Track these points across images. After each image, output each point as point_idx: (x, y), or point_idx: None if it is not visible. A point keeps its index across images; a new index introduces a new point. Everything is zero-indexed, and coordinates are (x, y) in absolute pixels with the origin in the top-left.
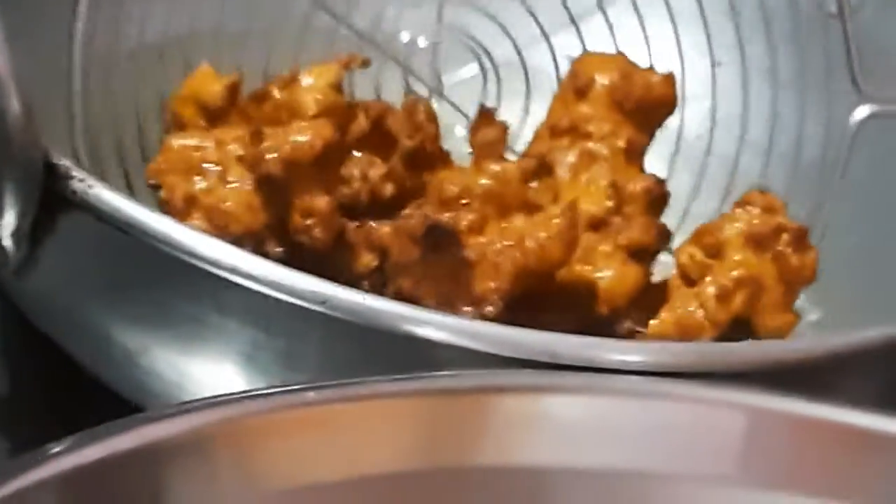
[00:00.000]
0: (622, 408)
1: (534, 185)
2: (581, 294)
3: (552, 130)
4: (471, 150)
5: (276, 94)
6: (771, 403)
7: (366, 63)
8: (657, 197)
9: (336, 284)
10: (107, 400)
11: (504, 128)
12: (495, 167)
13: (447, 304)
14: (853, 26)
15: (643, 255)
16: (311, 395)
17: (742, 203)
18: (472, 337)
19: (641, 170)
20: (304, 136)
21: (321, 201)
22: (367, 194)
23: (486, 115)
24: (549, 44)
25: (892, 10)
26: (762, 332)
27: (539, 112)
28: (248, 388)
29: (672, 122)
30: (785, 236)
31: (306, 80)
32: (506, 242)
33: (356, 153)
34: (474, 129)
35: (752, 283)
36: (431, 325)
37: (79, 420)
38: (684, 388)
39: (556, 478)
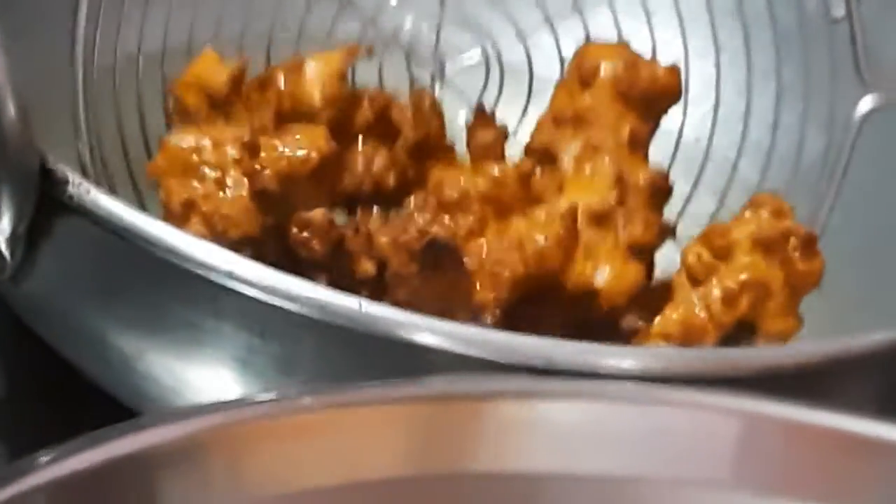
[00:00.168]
0: (618, 413)
1: (537, 175)
2: (580, 292)
3: (556, 120)
4: (468, 151)
5: (281, 81)
6: (767, 409)
7: (370, 52)
8: (660, 190)
9: (332, 290)
10: (103, 404)
11: (501, 129)
12: (494, 169)
13: (445, 314)
14: (859, 17)
15: (644, 252)
16: (305, 400)
17: (751, 205)
18: (467, 343)
19: (645, 160)
20: (300, 148)
21: (318, 214)
22: (370, 184)
23: (482, 117)
24: (554, 31)
25: None
26: (764, 336)
27: (543, 100)
28: (242, 394)
29: (673, 121)
30: (794, 241)
31: (311, 68)
32: (504, 249)
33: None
34: (471, 130)
35: (759, 287)
36: (426, 330)
37: (75, 425)
38: (680, 393)
39: (551, 484)
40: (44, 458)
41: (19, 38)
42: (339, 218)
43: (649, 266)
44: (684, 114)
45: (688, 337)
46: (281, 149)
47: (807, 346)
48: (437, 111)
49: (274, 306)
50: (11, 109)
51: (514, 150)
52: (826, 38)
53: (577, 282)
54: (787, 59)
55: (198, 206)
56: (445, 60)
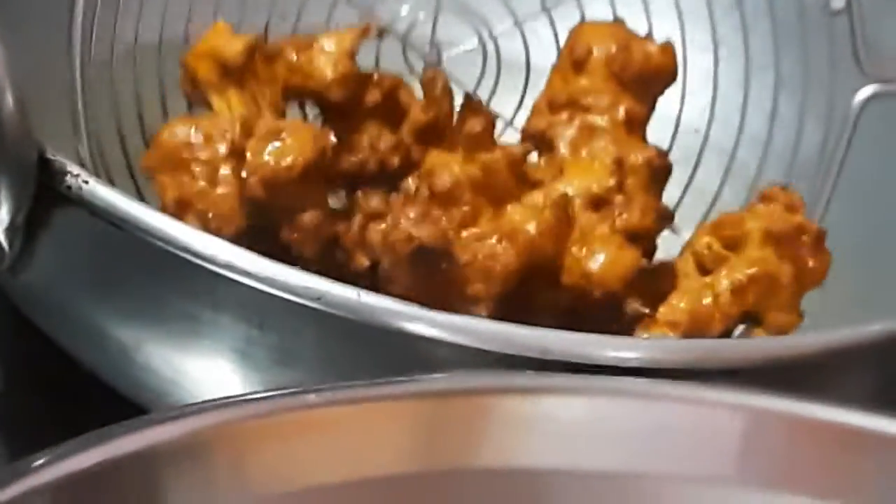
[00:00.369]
0: (621, 409)
1: (529, 161)
2: (576, 278)
3: (551, 105)
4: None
5: (292, 55)
6: (770, 404)
7: (381, 33)
8: (659, 169)
9: (330, 280)
10: (103, 396)
11: (490, 117)
12: (486, 157)
13: (438, 308)
14: (859, 9)
15: (641, 237)
16: (309, 397)
17: (764, 198)
18: (464, 333)
19: (643, 141)
20: (285, 155)
21: (307, 216)
22: (375, 163)
23: (470, 106)
24: (551, 19)
25: None
26: (767, 329)
27: (539, 85)
28: (244, 389)
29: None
30: (805, 237)
31: (323, 45)
32: (496, 242)
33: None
34: (460, 120)
35: (768, 280)
36: (424, 321)
37: (73, 417)
38: (683, 389)
39: (555, 479)
40: (47, 457)
41: (16, 30)
42: (340, 199)
43: (649, 251)
44: (682, 103)
45: (694, 326)
46: (266, 156)
47: (805, 338)
48: (447, 92)
49: (272, 297)
50: (10, 100)
51: (513, 138)
52: (825, 29)
53: (572, 267)
54: (785, 51)
55: (192, 204)
56: (442, 49)
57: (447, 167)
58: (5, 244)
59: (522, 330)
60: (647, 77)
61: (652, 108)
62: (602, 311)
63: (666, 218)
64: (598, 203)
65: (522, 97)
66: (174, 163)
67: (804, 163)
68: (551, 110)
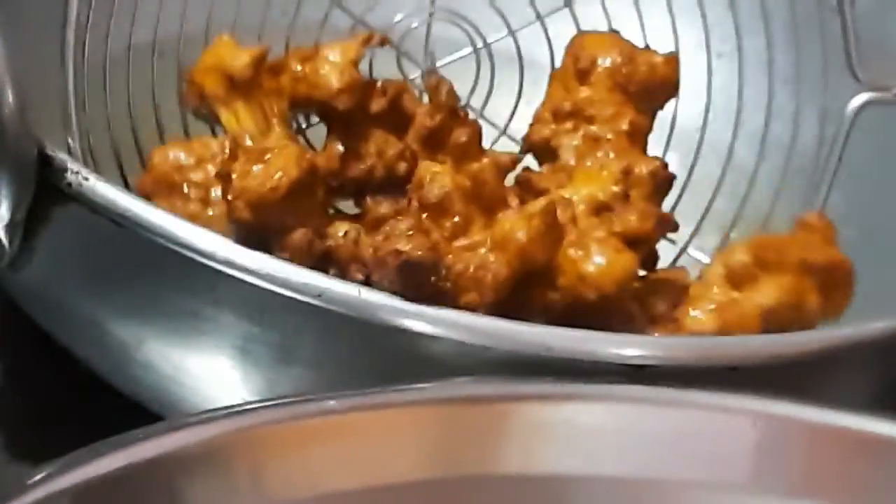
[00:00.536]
0: (640, 416)
1: (541, 170)
2: (572, 282)
3: (555, 114)
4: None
5: (297, 67)
6: (788, 411)
7: (384, 42)
8: (662, 180)
9: (331, 277)
10: (104, 396)
11: (476, 126)
12: (474, 166)
13: None
14: (851, 14)
15: (640, 243)
16: (329, 404)
17: (802, 226)
18: (465, 330)
19: (644, 152)
20: (270, 176)
21: (297, 235)
22: (382, 170)
23: (455, 115)
24: (544, 26)
25: None
26: None
27: (532, 92)
28: (245, 387)
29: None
30: (838, 274)
31: (329, 55)
32: (486, 252)
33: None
34: (447, 131)
35: (796, 308)
36: (425, 318)
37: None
38: (700, 396)
39: (574, 485)
40: (64, 463)
41: (11, 29)
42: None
43: (649, 257)
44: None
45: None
46: (250, 178)
47: (807, 336)
48: (453, 97)
49: (273, 293)
50: (10, 98)
51: (507, 145)
52: (819, 28)
53: (567, 270)
54: (780, 50)
55: None
56: (435, 56)
57: (436, 179)
58: (5, 241)
59: (524, 327)
60: (652, 88)
61: (653, 119)
62: (598, 314)
63: (667, 226)
64: (600, 210)
65: (516, 105)
66: (167, 185)
67: (801, 161)
68: (555, 119)
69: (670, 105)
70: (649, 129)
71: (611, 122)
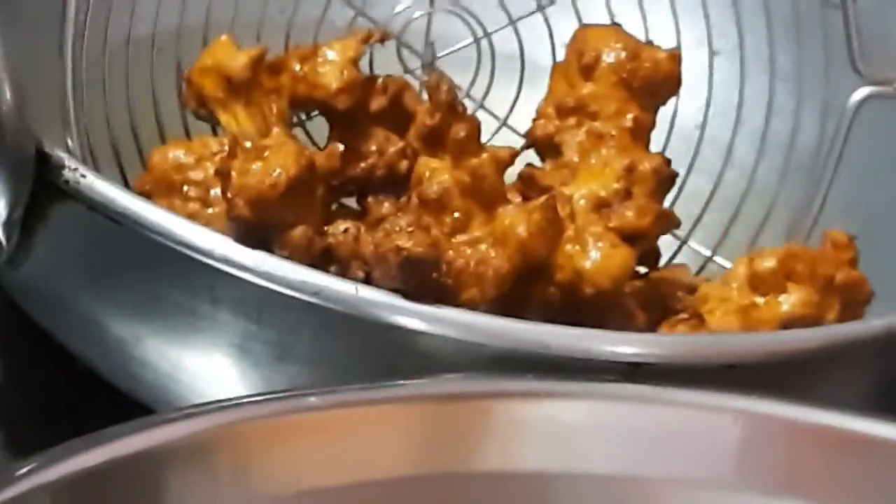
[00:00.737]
0: (622, 413)
1: (544, 166)
2: (569, 277)
3: (558, 110)
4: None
5: (296, 66)
6: (771, 409)
7: (384, 39)
8: (665, 177)
9: (328, 275)
10: (103, 394)
11: (475, 121)
12: (473, 162)
13: None
14: (854, 9)
15: (638, 238)
16: (312, 399)
17: (833, 245)
18: (462, 328)
19: (647, 149)
20: (269, 174)
21: (297, 232)
22: (383, 168)
23: (454, 111)
24: (545, 17)
25: None
26: None
27: (534, 85)
28: (242, 384)
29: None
30: (860, 293)
31: (328, 54)
32: (486, 248)
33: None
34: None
35: (814, 322)
36: (422, 316)
37: (75, 417)
38: (683, 393)
39: (556, 483)
40: (49, 456)
41: (9, 25)
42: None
43: (649, 254)
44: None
45: None
46: (249, 175)
47: (804, 333)
48: (453, 95)
49: (271, 291)
50: (8, 94)
51: (508, 137)
52: (821, 25)
53: (564, 265)
54: (781, 46)
55: None
56: (436, 46)
57: (435, 175)
58: (3, 238)
59: (521, 325)
60: (655, 84)
61: (655, 115)
62: (595, 310)
63: (668, 222)
64: (602, 206)
65: (517, 97)
66: (167, 185)
67: (802, 157)
68: (559, 115)
69: (671, 101)
70: (652, 125)
71: (614, 118)
